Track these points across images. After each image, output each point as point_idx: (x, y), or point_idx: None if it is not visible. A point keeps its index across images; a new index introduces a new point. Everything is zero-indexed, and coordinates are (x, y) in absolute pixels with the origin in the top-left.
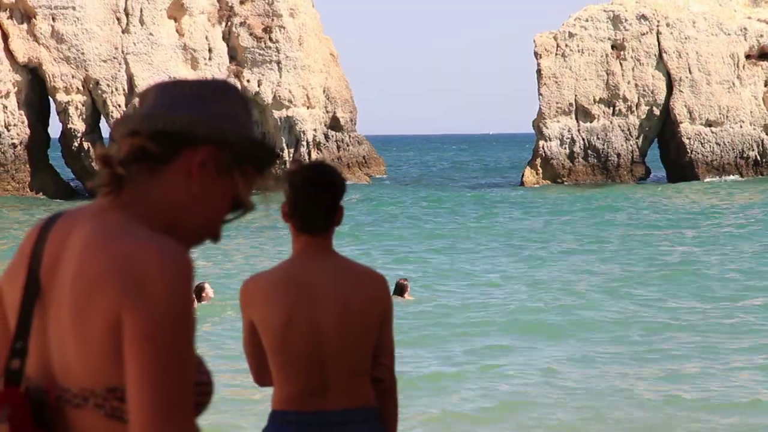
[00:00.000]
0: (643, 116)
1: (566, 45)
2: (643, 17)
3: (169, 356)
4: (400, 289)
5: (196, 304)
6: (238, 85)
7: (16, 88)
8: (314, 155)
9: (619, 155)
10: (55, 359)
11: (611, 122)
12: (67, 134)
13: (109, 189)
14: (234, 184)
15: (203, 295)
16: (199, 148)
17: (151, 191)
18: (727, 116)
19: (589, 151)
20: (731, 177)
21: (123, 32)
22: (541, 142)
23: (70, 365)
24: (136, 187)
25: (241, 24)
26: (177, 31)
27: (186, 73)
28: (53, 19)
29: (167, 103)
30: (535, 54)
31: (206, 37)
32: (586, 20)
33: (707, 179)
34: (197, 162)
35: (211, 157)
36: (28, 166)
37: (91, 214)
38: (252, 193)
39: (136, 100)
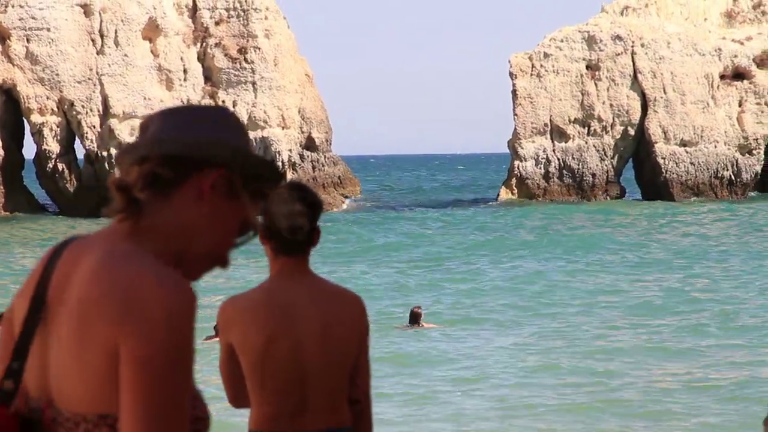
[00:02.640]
0: (618, 136)
1: (541, 65)
2: (618, 38)
3: (164, 386)
4: (415, 318)
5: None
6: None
7: None
8: (290, 175)
9: (594, 175)
10: (53, 381)
11: (586, 142)
12: (41, 155)
13: (125, 215)
14: (243, 207)
15: None
16: (210, 170)
17: (161, 217)
18: (701, 136)
19: (564, 171)
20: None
21: (98, 53)
22: (517, 162)
23: (66, 388)
24: (147, 214)
25: (216, 45)
26: (152, 52)
27: (161, 94)
28: (28, 40)
29: (175, 129)
30: (511, 74)
31: (181, 58)
32: (561, 41)
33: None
34: (208, 184)
35: (221, 180)
36: (1, 186)
37: (102, 239)
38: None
39: (112, 125)
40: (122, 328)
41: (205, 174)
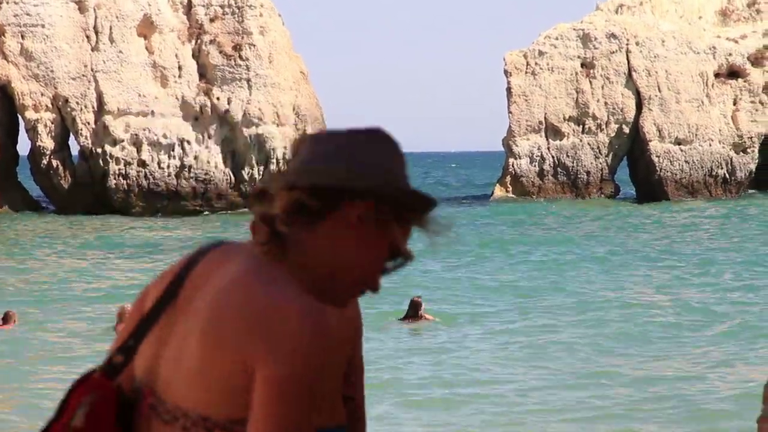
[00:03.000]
0: (613, 134)
1: (536, 63)
2: (613, 36)
3: (293, 408)
4: (415, 307)
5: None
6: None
7: None
8: None
9: (588, 173)
10: (163, 371)
11: (581, 140)
12: (35, 152)
13: (269, 247)
14: (392, 235)
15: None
16: (357, 201)
17: (308, 245)
18: (696, 134)
19: (559, 169)
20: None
21: (92, 50)
22: (511, 160)
23: (175, 382)
24: (294, 241)
25: (211, 42)
26: (147, 48)
27: (156, 91)
28: (22, 36)
29: (324, 156)
30: (505, 72)
31: (176, 55)
32: (556, 38)
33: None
34: (355, 215)
35: (369, 210)
36: None
37: (248, 252)
38: (410, 239)
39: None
40: (259, 345)
41: (353, 204)
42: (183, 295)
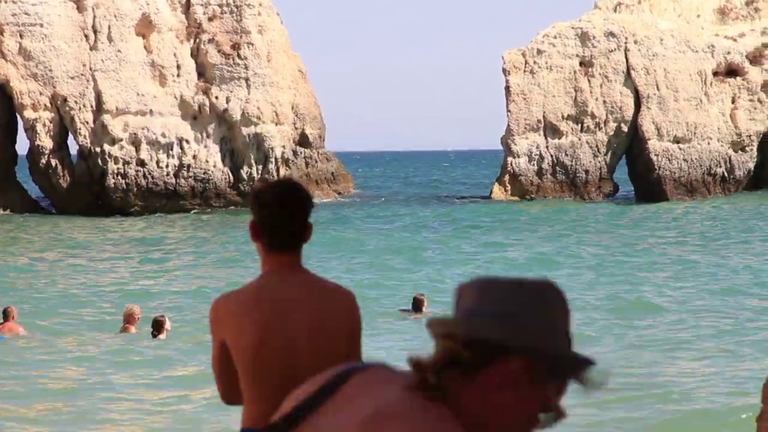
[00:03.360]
0: (611, 133)
1: (535, 62)
2: (611, 34)
3: None
4: (418, 305)
5: (160, 336)
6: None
7: None
8: (283, 172)
9: (587, 172)
10: None
11: (579, 139)
12: (34, 151)
13: (420, 393)
14: (545, 391)
15: (165, 328)
16: (512, 358)
17: (460, 396)
18: (694, 133)
19: (558, 168)
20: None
21: (91, 49)
22: (510, 159)
23: None
24: (446, 389)
25: (210, 41)
26: (145, 47)
27: (154, 90)
28: (21, 35)
29: (487, 309)
30: (504, 71)
31: (174, 54)
32: (555, 37)
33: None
34: (510, 372)
35: (523, 368)
36: None
37: (401, 383)
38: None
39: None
40: None
41: (509, 360)
42: (328, 404)
